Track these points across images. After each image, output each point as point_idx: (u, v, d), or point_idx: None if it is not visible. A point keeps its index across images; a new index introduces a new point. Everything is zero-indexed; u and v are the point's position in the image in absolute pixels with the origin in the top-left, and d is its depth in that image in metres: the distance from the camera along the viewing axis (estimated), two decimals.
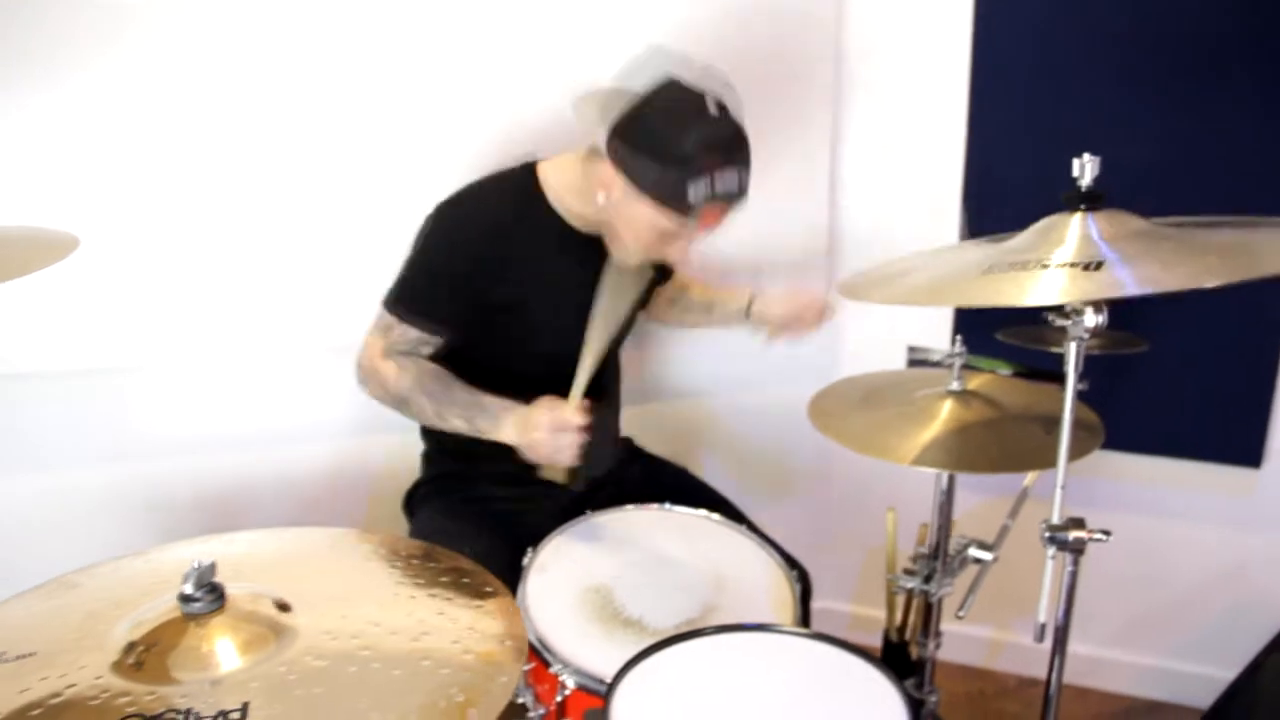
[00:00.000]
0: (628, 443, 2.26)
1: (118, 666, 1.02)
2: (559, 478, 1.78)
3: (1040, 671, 2.69)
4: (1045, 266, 1.28)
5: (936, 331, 2.47)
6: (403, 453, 2.16)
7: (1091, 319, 1.29)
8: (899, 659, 1.98)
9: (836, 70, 2.47)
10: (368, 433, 2.35)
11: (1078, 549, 1.34)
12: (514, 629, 1.12)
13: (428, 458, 2.15)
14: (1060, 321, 1.33)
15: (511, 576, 1.70)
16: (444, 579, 1.23)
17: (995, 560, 1.75)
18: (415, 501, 2.12)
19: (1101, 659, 2.69)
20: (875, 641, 2.14)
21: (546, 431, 1.70)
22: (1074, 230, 1.36)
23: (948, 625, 1.97)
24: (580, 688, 1.48)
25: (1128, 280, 1.22)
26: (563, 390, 1.78)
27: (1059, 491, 1.34)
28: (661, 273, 2.17)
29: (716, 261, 2.35)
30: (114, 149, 2.00)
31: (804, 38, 2.41)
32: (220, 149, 2.06)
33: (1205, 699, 2.47)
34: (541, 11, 2.18)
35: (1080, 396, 1.37)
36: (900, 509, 2.02)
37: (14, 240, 1.29)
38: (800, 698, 1.35)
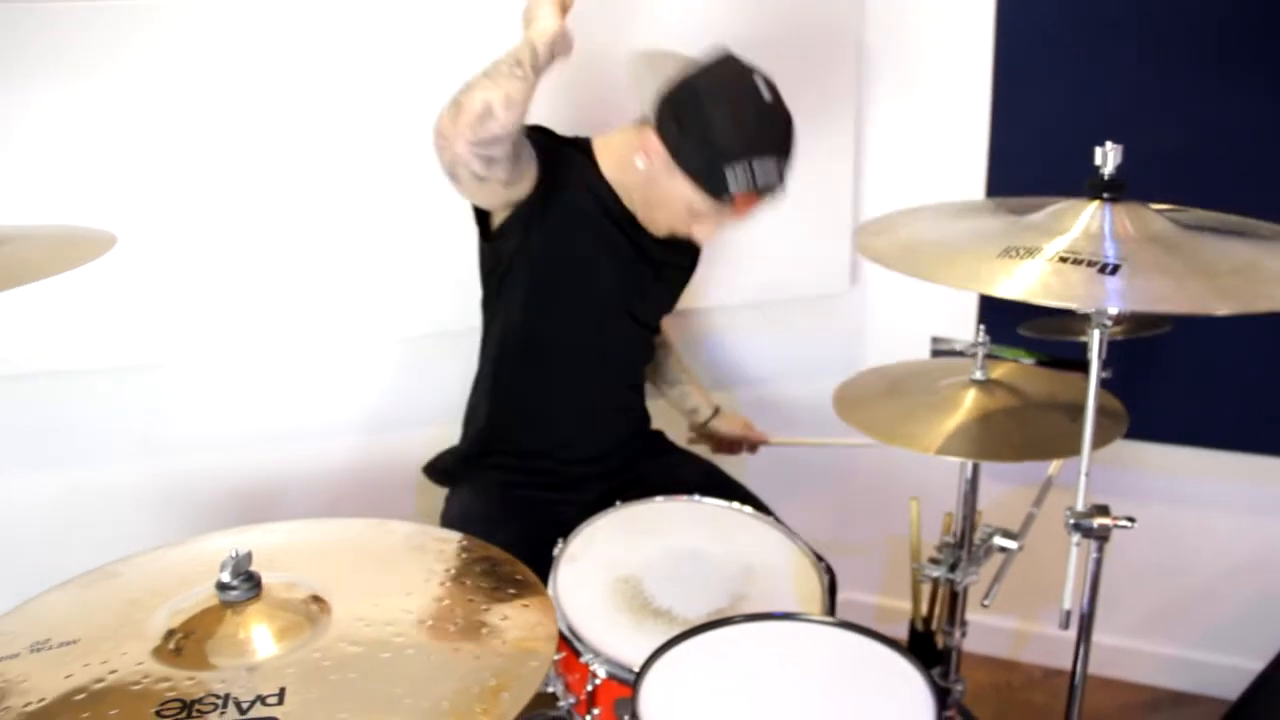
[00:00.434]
0: (658, 436, 2.28)
1: (158, 653, 1.04)
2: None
3: (1066, 663, 2.68)
4: (1063, 261, 1.27)
5: (960, 322, 2.47)
6: (437, 444, 2.18)
7: (1114, 308, 1.29)
8: (925, 648, 1.98)
9: (858, 59, 2.47)
10: (401, 426, 2.38)
11: (1102, 536, 1.35)
12: (545, 616, 1.14)
13: (464, 439, 2.16)
14: (1081, 310, 1.33)
15: (542, 566, 1.72)
16: (476, 567, 1.24)
17: (1020, 549, 1.76)
18: (449, 477, 2.15)
19: (1127, 649, 2.69)
20: (901, 632, 2.14)
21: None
22: (1092, 221, 1.36)
23: (973, 615, 1.97)
24: (610, 677, 1.50)
25: (1139, 293, 1.21)
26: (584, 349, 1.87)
27: (1083, 479, 1.34)
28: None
29: (736, 250, 2.37)
30: (146, 147, 2.02)
31: (826, 26, 2.42)
32: (250, 146, 2.08)
33: (1232, 690, 2.47)
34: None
35: (1104, 384, 1.37)
36: (923, 499, 2.02)
37: (54, 238, 1.32)
38: (828, 686, 1.37)
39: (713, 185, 1.70)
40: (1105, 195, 1.36)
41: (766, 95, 1.70)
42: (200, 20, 1.99)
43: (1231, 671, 2.55)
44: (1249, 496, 2.49)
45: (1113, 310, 1.23)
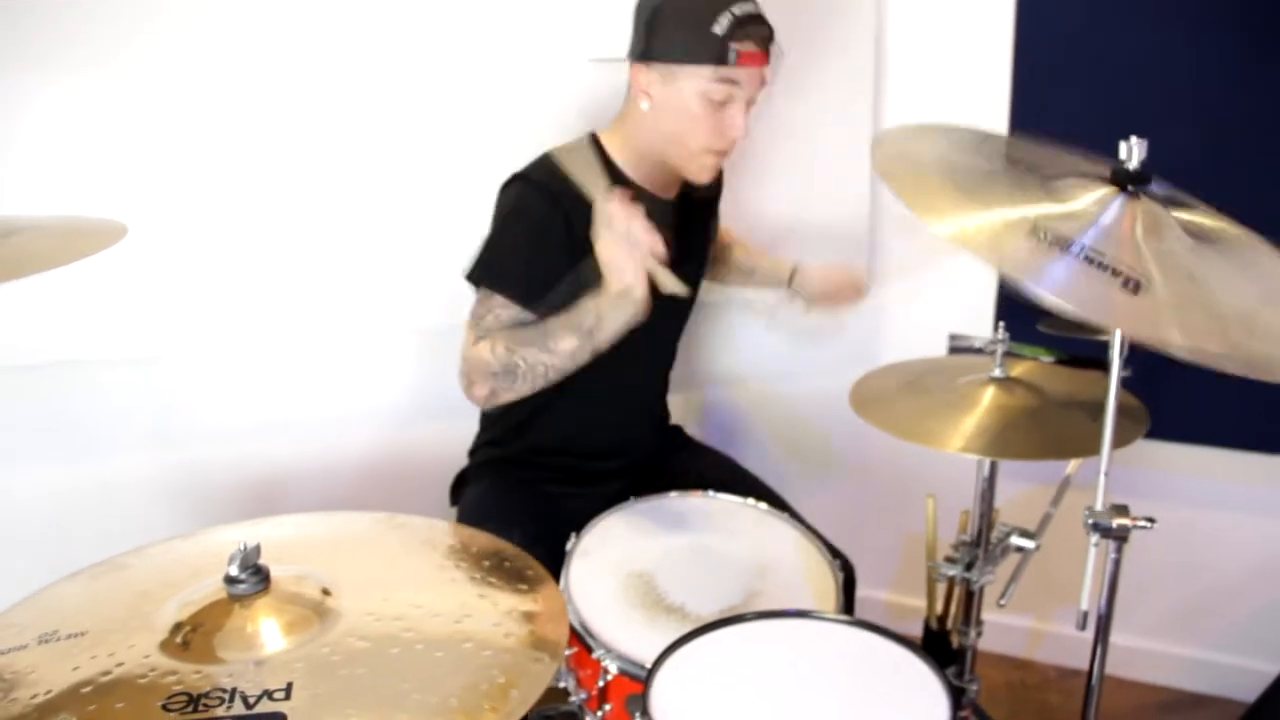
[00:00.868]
0: (677, 431, 2.26)
1: (165, 646, 1.03)
2: (672, 286, 1.62)
3: (1081, 662, 2.67)
4: (1089, 261, 1.24)
5: (978, 319, 2.45)
6: (450, 439, 2.18)
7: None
8: (940, 647, 1.97)
9: (877, 49, 2.45)
10: (415, 419, 2.38)
11: (1121, 536, 1.33)
12: (555, 612, 1.13)
13: (476, 447, 2.16)
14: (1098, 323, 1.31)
15: (555, 561, 1.71)
16: (486, 563, 1.23)
17: (1037, 549, 1.74)
18: (462, 486, 2.14)
19: (1143, 650, 2.66)
20: (915, 630, 2.13)
21: (620, 239, 1.60)
22: (1114, 215, 1.33)
23: (988, 614, 1.96)
24: (622, 673, 1.49)
25: (1151, 322, 1.21)
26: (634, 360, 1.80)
27: (1102, 478, 1.32)
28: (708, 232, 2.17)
29: (761, 236, 2.36)
30: (156, 138, 2.01)
31: (844, 13, 2.40)
32: (262, 135, 2.07)
33: (1249, 692, 2.45)
34: None
35: (1125, 383, 1.35)
36: (939, 496, 2.01)
37: (64, 228, 1.31)
38: (841, 684, 1.35)
39: (706, 48, 1.69)
40: (1129, 188, 1.33)
41: None
42: (214, 10, 1.98)
43: (1248, 674, 2.53)
44: (1269, 498, 2.45)
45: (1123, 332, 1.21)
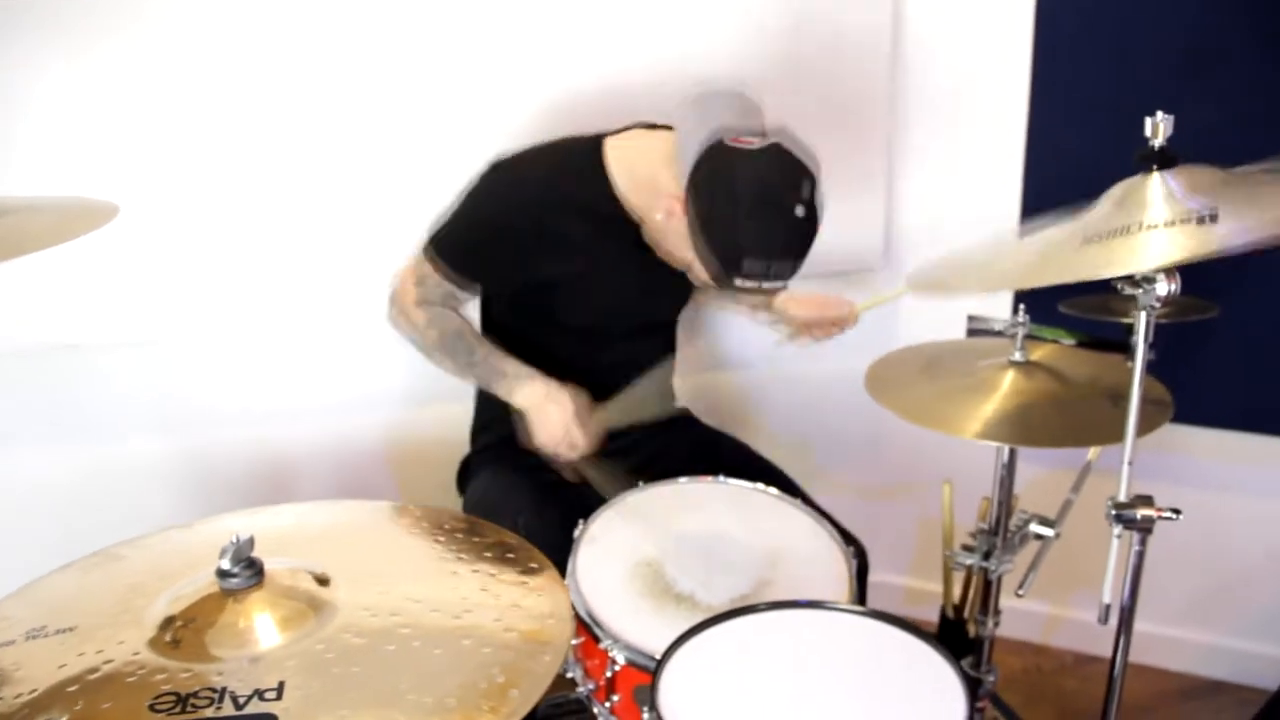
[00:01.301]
0: (684, 413, 2.23)
1: (155, 642, 1.00)
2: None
3: (1099, 649, 2.66)
4: (1153, 227, 1.21)
5: (997, 301, 2.40)
6: (458, 422, 2.14)
7: (1164, 287, 1.22)
8: (956, 637, 1.93)
9: (893, 39, 2.40)
10: (422, 403, 2.35)
11: (1146, 528, 1.29)
12: (559, 607, 1.09)
13: (477, 430, 2.13)
14: (1130, 290, 1.26)
15: (562, 548, 1.68)
16: (488, 554, 1.20)
17: (1057, 537, 1.69)
18: (467, 473, 2.10)
19: (1162, 636, 2.63)
20: (931, 616, 2.10)
21: (556, 430, 1.81)
22: (1156, 190, 1.29)
23: (1004, 600, 1.92)
24: (630, 663, 1.45)
25: (1242, 230, 1.15)
26: (588, 369, 1.87)
27: (1126, 468, 1.28)
28: None
29: None
30: (161, 121, 1.98)
31: (860, 19, 2.35)
32: (265, 118, 2.04)
33: (1270, 680, 2.43)
34: None
35: (1148, 367, 1.31)
36: (956, 481, 1.97)
37: (57, 208, 1.28)
38: (854, 676, 1.32)
39: (724, 277, 1.68)
40: (1155, 166, 1.28)
41: (800, 213, 1.64)
42: None
43: (1270, 661, 2.51)
44: None
45: (1242, 243, 1.15)
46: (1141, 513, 1.28)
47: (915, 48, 2.42)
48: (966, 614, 1.94)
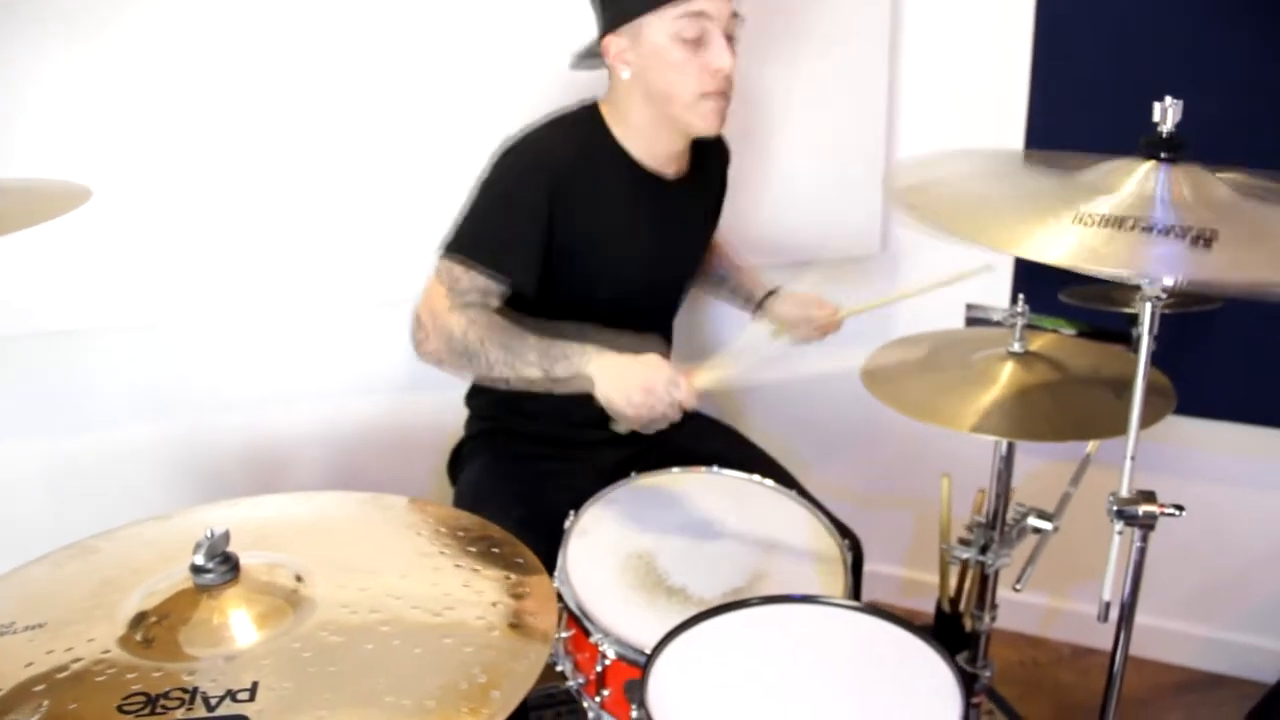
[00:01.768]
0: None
1: (126, 640, 0.97)
2: (623, 429, 1.67)
3: (1096, 641, 2.64)
4: (1148, 230, 1.15)
5: (995, 289, 2.37)
6: (452, 408, 2.12)
7: (1170, 279, 1.18)
8: (952, 631, 1.90)
9: (892, 13, 2.36)
10: (416, 389, 2.32)
11: (1147, 525, 1.26)
12: (544, 605, 1.06)
13: (471, 419, 2.10)
14: (1135, 280, 1.22)
15: (553, 540, 1.65)
16: (472, 549, 1.16)
17: (1056, 530, 1.66)
18: (458, 462, 2.08)
19: (1160, 629, 2.60)
20: (927, 607, 2.07)
21: (658, 398, 1.62)
22: (1156, 184, 1.24)
23: (1001, 592, 1.89)
24: (620, 658, 1.43)
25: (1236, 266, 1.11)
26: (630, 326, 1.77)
27: (1128, 463, 1.25)
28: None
29: (761, 210, 2.29)
30: (155, 107, 1.96)
31: (858, 1, 2.33)
32: (259, 104, 2.02)
33: (1268, 673, 2.42)
34: None
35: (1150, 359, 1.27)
36: (956, 472, 1.94)
37: (26, 191, 1.24)
38: (847, 672, 1.30)
39: None
40: (1163, 155, 1.25)
41: None
42: None
43: (1269, 655, 2.50)
44: None
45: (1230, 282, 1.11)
46: (1144, 509, 1.25)
47: (915, 31, 2.39)
48: (962, 608, 1.91)
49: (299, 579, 1.06)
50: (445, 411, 2.14)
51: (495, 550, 1.16)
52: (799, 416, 2.65)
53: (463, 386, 2.09)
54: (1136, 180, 1.25)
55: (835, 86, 2.35)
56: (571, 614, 1.52)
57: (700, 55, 1.70)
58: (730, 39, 1.73)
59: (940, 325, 1.95)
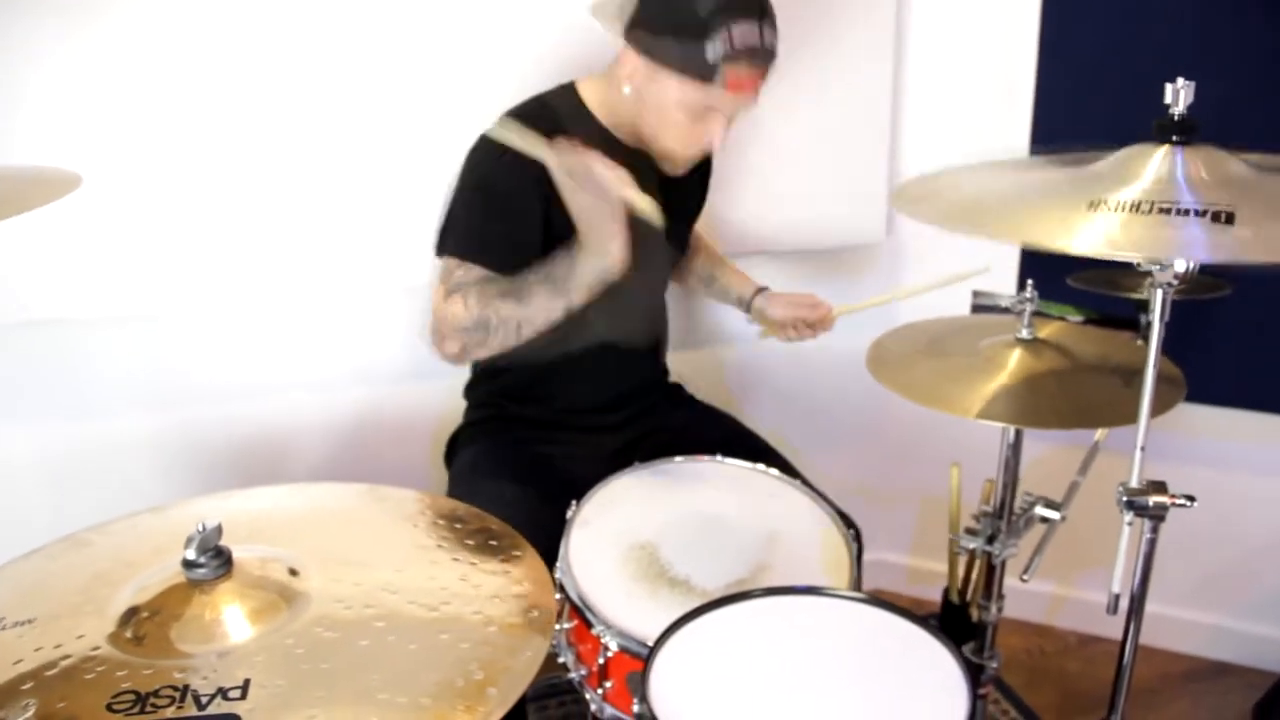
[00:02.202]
0: (677, 389, 2.18)
1: (116, 637, 0.95)
2: (649, 209, 1.51)
3: (1103, 630, 2.62)
4: (1166, 211, 1.13)
5: (1002, 275, 2.34)
6: (451, 397, 2.11)
7: (1182, 265, 1.16)
8: (959, 621, 1.88)
9: (898, 18, 2.35)
10: (415, 378, 2.31)
11: (1158, 515, 1.23)
12: (543, 599, 1.04)
13: (469, 409, 2.08)
14: (1147, 266, 1.20)
15: (550, 523, 1.64)
16: (470, 541, 1.14)
17: (1063, 520, 1.64)
18: (455, 450, 2.06)
19: (1167, 617, 2.58)
20: (933, 595, 2.05)
21: (581, 181, 1.51)
22: (1170, 166, 1.22)
23: (1007, 580, 1.87)
24: (622, 650, 1.41)
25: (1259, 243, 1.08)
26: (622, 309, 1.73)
27: (1139, 453, 1.23)
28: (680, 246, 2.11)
29: (765, 197, 2.28)
30: (151, 97, 1.94)
31: None
32: (256, 93, 2.00)
33: (1275, 662, 2.42)
34: None
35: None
36: (962, 460, 1.92)
37: (14, 177, 1.22)
38: (851, 664, 1.27)
39: (695, 66, 1.61)
40: (1175, 138, 1.22)
41: None
42: None
43: (1277, 644, 2.48)
44: None
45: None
46: (1154, 500, 1.23)
47: (921, 16, 2.37)
48: (969, 598, 1.89)
49: (293, 573, 1.04)
50: (443, 400, 2.12)
51: (493, 543, 1.15)
52: (804, 404, 2.64)
53: (462, 376, 2.07)
54: (1153, 165, 1.23)
55: (840, 73, 2.33)
56: (574, 605, 1.50)
57: (696, 125, 1.70)
58: (733, 119, 1.73)
59: (946, 312, 1.93)
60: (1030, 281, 1.68)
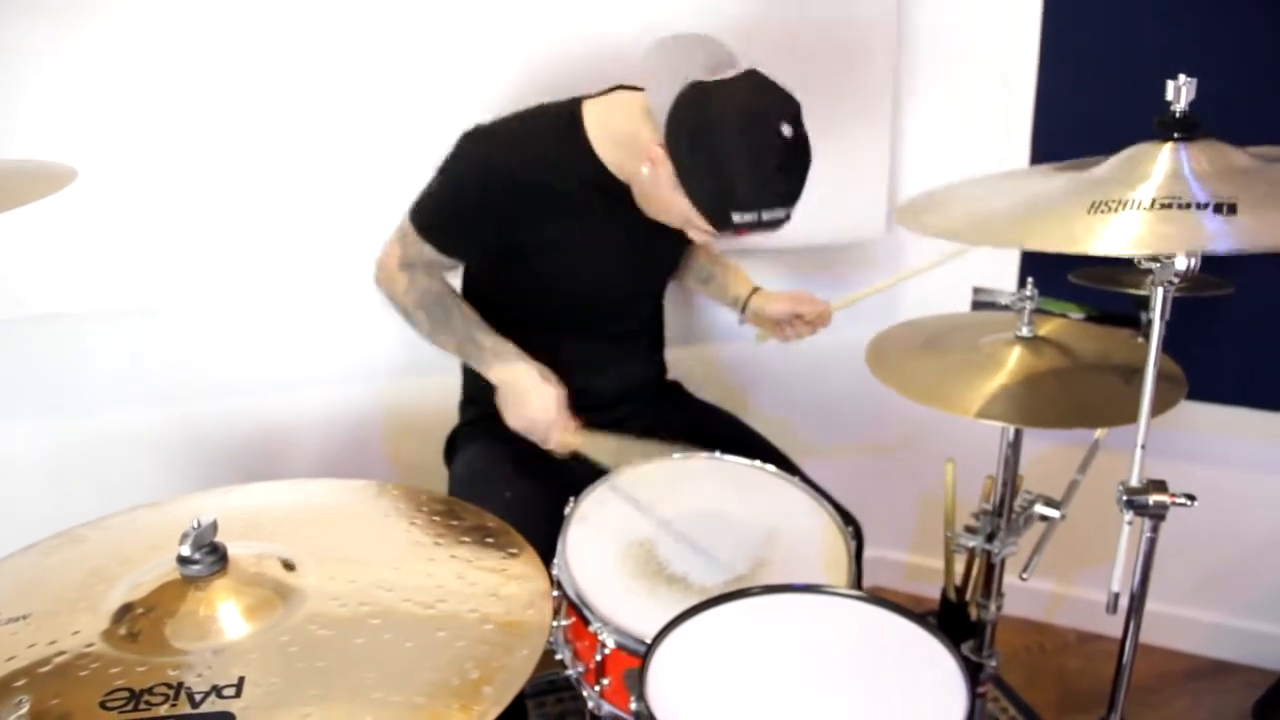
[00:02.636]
0: (676, 387, 2.17)
1: (111, 633, 0.95)
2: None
3: (1102, 627, 2.62)
4: (1167, 206, 1.12)
5: (1003, 272, 2.34)
6: (453, 392, 2.11)
7: (1182, 262, 1.15)
8: (957, 620, 1.88)
9: (899, 15, 2.34)
10: (416, 373, 2.30)
11: (1159, 515, 1.23)
12: (538, 597, 1.03)
13: (466, 402, 2.08)
14: (1147, 263, 1.19)
15: (550, 524, 1.63)
16: (466, 538, 1.14)
17: (1063, 518, 1.63)
18: (455, 447, 2.05)
19: (1168, 615, 2.58)
20: (932, 592, 2.05)
21: (538, 432, 1.80)
22: (1173, 163, 1.21)
23: (1007, 579, 1.87)
24: (620, 647, 1.40)
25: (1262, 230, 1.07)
26: (571, 344, 1.87)
27: (1139, 452, 1.22)
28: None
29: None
30: (150, 91, 1.94)
31: None
32: (255, 88, 2.00)
33: (1278, 661, 2.41)
34: None
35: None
36: (961, 457, 1.91)
37: (10, 172, 1.21)
38: (850, 662, 1.27)
39: (716, 219, 1.60)
40: (1177, 135, 1.21)
41: (788, 132, 1.56)
42: None
43: (1277, 642, 2.47)
44: None
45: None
46: (1154, 499, 1.22)
47: (922, 10, 2.36)
48: (968, 597, 1.88)
49: (289, 569, 1.04)
50: (446, 396, 2.11)
51: (490, 540, 1.14)
52: (804, 399, 2.63)
53: (460, 372, 2.07)
54: (1160, 163, 1.22)
55: (841, 67, 2.32)
56: (571, 602, 1.49)
57: (691, 230, 1.70)
58: None
59: (946, 308, 1.92)
60: (1030, 279, 1.68)
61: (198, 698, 0.86)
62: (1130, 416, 1.25)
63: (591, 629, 1.43)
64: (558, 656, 1.54)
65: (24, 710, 0.85)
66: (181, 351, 2.20)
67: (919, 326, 1.83)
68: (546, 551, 1.35)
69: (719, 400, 2.17)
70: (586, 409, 1.95)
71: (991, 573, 1.80)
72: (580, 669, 1.49)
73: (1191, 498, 1.22)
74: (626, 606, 1.46)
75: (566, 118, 1.79)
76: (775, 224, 1.61)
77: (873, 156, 2.41)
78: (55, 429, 2.16)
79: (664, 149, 1.60)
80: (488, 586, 1.05)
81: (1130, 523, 1.24)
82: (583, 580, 1.51)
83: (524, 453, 1.88)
